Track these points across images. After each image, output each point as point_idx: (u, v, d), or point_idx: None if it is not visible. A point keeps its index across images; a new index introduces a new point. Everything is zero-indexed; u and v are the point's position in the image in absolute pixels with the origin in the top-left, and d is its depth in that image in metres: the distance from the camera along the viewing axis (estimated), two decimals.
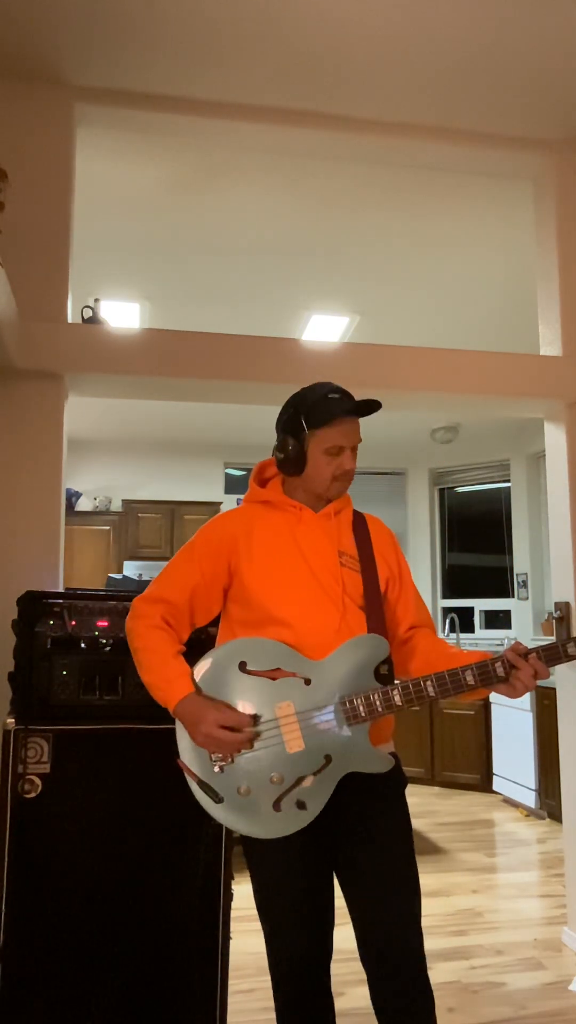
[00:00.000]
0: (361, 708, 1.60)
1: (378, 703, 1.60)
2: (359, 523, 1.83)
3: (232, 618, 1.75)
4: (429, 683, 1.60)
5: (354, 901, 1.65)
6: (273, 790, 1.58)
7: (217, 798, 1.59)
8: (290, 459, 1.75)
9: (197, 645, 1.78)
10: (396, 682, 1.63)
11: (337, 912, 1.69)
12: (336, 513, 1.80)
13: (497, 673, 1.60)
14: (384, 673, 1.64)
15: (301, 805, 1.57)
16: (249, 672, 1.62)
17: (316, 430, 1.72)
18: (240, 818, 1.59)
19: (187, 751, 1.63)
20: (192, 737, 1.60)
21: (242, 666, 1.63)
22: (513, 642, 1.66)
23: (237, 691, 1.62)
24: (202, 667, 1.65)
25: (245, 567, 1.71)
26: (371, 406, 1.74)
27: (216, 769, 1.60)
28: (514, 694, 1.60)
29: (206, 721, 1.56)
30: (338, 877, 1.68)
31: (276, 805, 1.57)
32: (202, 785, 1.61)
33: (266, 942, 1.69)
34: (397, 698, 1.60)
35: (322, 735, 1.59)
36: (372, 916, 1.63)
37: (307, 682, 1.61)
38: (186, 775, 1.63)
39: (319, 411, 1.72)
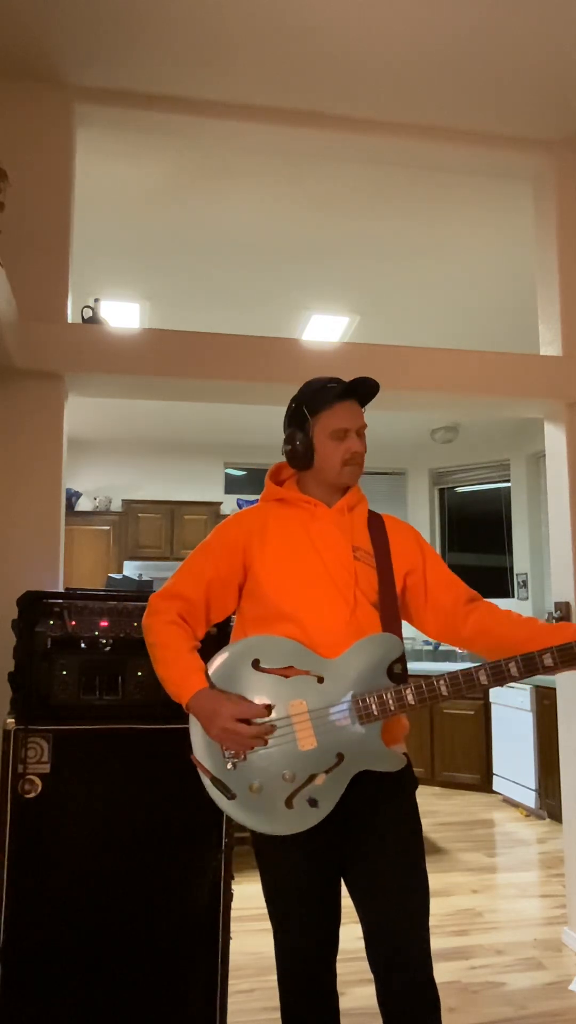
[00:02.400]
0: (374, 707, 1.60)
1: (391, 702, 1.60)
2: (375, 521, 1.83)
3: (245, 615, 1.75)
4: (442, 683, 1.60)
5: (362, 905, 1.65)
6: (285, 787, 1.58)
7: (229, 794, 1.59)
8: (299, 451, 1.77)
9: (205, 640, 1.77)
10: (409, 681, 1.63)
11: (342, 911, 1.69)
12: (350, 509, 1.80)
13: (511, 673, 1.59)
14: (398, 672, 1.64)
15: (313, 803, 1.57)
16: (262, 670, 1.62)
17: (318, 415, 1.75)
18: (252, 815, 1.59)
19: (200, 747, 1.63)
20: (207, 731, 1.60)
21: (255, 664, 1.63)
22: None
23: (250, 688, 1.62)
24: (215, 664, 1.65)
25: (258, 564, 1.72)
26: (369, 385, 1.77)
27: (229, 766, 1.60)
28: None
29: (221, 715, 1.57)
30: (345, 878, 1.68)
31: (288, 802, 1.57)
32: (215, 782, 1.61)
33: (274, 939, 1.69)
34: (410, 697, 1.60)
35: (335, 733, 1.60)
36: (380, 922, 1.63)
37: (320, 680, 1.61)
38: (199, 771, 1.64)
39: (319, 397, 1.77)
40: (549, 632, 1.66)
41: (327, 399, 1.76)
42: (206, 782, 1.62)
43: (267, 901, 1.69)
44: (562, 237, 3.34)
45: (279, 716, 1.60)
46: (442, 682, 1.60)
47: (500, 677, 1.59)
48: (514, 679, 1.60)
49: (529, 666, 1.59)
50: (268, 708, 1.60)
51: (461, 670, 1.61)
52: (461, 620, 1.75)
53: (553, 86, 2.97)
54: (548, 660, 1.58)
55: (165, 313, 4.81)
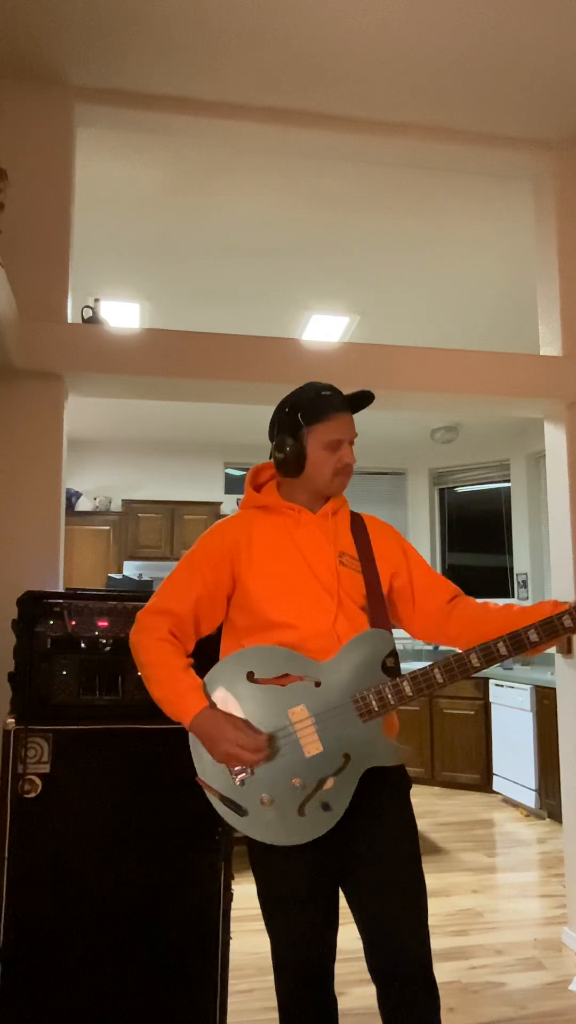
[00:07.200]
0: (374, 702, 1.60)
1: (390, 696, 1.61)
2: (357, 523, 1.83)
3: (236, 626, 1.74)
4: (437, 670, 1.62)
5: (360, 908, 1.64)
6: (296, 796, 1.57)
7: (241, 811, 1.58)
8: (290, 459, 1.74)
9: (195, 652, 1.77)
10: (405, 673, 1.64)
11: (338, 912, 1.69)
12: (333, 513, 1.80)
13: (500, 652, 1.62)
14: (391, 666, 1.65)
15: (326, 807, 1.57)
16: (257, 681, 1.61)
17: (314, 426, 1.73)
18: (266, 828, 1.57)
19: (206, 768, 1.61)
20: (210, 752, 1.59)
21: (250, 676, 1.62)
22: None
23: (248, 701, 1.61)
24: (209, 682, 1.64)
25: (246, 573, 1.70)
26: (365, 398, 1.76)
27: (238, 782, 1.59)
28: None
29: (226, 739, 1.55)
30: (343, 884, 1.68)
31: (301, 810, 1.56)
32: (225, 800, 1.59)
33: (270, 943, 1.68)
34: (408, 689, 1.61)
35: (339, 735, 1.59)
36: (380, 932, 1.62)
37: (317, 684, 1.61)
38: (207, 792, 1.62)
39: (315, 407, 1.74)
40: (527, 614, 1.70)
41: (325, 409, 1.73)
42: (215, 801, 1.61)
43: (262, 906, 1.68)
44: (562, 237, 3.34)
45: (281, 726, 1.59)
46: (436, 670, 1.62)
47: (491, 657, 1.63)
48: (504, 658, 1.64)
49: (516, 643, 1.63)
50: (271, 737, 1.59)
51: (453, 655, 1.64)
52: (444, 619, 1.80)
53: (553, 86, 2.97)
54: (533, 636, 1.63)
55: (165, 313, 4.81)
